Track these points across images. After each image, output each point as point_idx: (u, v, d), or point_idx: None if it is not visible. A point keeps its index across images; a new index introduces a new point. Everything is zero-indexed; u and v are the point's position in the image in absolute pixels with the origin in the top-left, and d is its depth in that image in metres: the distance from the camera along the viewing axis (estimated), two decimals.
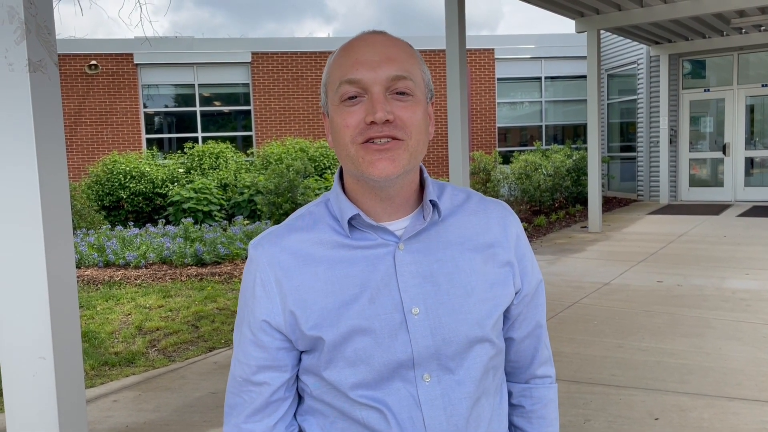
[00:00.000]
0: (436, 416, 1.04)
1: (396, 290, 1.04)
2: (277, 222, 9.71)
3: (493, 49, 15.41)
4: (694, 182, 13.16)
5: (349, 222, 1.06)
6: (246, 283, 1.11)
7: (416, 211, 1.09)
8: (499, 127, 15.71)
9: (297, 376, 1.12)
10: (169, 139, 14.65)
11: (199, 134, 14.48)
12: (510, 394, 1.23)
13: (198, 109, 14.52)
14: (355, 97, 1.01)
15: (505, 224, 1.14)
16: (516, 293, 1.14)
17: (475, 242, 1.10)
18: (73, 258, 2.36)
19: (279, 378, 1.08)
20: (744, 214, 10.91)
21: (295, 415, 1.14)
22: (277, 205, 9.91)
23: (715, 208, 11.75)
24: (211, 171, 11.87)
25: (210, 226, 9.96)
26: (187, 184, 11.29)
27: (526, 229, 9.68)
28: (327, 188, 10.56)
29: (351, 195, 1.09)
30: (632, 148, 14.05)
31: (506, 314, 1.15)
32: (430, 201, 1.07)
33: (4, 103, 2.17)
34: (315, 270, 1.05)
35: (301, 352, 1.09)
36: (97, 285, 6.86)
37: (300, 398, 1.13)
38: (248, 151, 13.82)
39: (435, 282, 1.06)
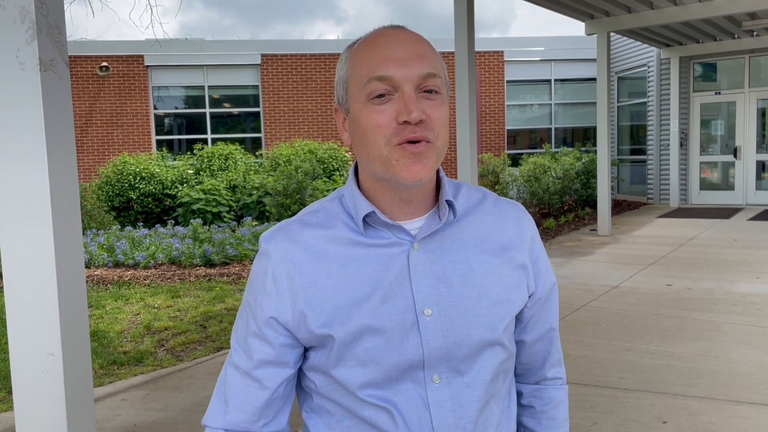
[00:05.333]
0: (444, 418, 1.03)
1: (409, 290, 1.03)
2: None
3: (502, 52, 15.40)
4: (705, 185, 13.09)
5: (364, 219, 1.05)
6: (256, 276, 1.09)
7: (432, 210, 1.07)
8: (508, 130, 15.68)
9: (300, 373, 1.11)
10: (179, 140, 14.72)
11: (209, 136, 14.54)
12: (520, 394, 1.22)
13: (208, 110, 14.58)
14: (384, 95, 0.99)
15: (521, 226, 1.13)
16: (529, 296, 1.12)
17: (490, 244, 1.09)
18: (82, 257, 2.38)
19: (280, 375, 1.06)
20: (755, 218, 10.84)
21: (301, 412, 1.14)
22: (286, 206, 9.94)
23: (726, 212, 11.67)
24: (220, 172, 11.92)
25: (219, 227, 9.99)
26: (197, 185, 11.34)
27: None
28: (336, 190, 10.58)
29: (366, 192, 1.07)
30: (642, 151, 13.98)
31: (518, 317, 1.14)
32: (446, 201, 1.06)
33: (15, 102, 2.19)
34: (328, 267, 1.04)
35: (308, 350, 1.08)
36: (106, 285, 6.90)
37: (307, 395, 1.12)
38: (257, 153, 13.87)
39: (448, 283, 1.04)
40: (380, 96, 0.99)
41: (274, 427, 1.10)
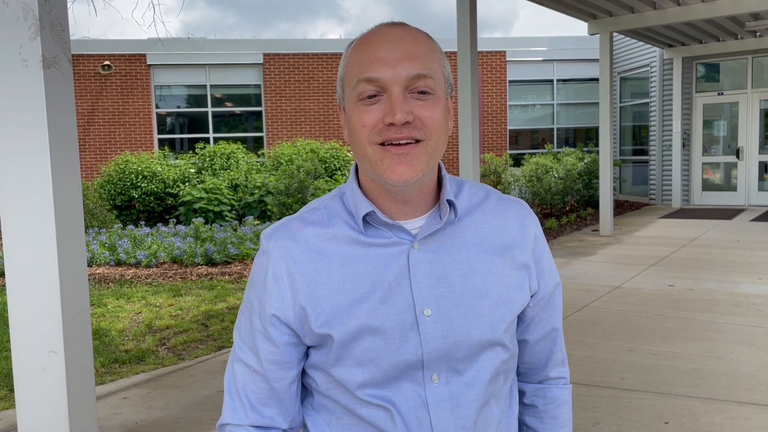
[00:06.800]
0: (443, 418, 1.02)
1: (408, 290, 1.02)
2: None
3: (504, 52, 15.39)
4: (707, 186, 13.07)
5: (364, 218, 1.04)
6: (257, 274, 1.09)
7: (433, 210, 1.07)
8: (510, 130, 15.67)
9: (303, 371, 1.11)
10: (181, 139, 14.73)
11: (211, 135, 14.55)
12: (523, 393, 1.21)
13: (210, 109, 14.59)
14: (374, 95, 0.99)
15: (524, 224, 1.12)
16: (532, 296, 1.11)
17: (492, 243, 1.08)
18: (84, 255, 2.38)
19: (287, 374, 1.07)
20: (757, 219, 10.82)
21: (301, 409, 1.14)
22: (287, 205, 9.94)
23: (728, 213, 11.66)
24: (222, 171, 11.92)
25: (220, 226, 9.99)
26: (198, 184, 11.34)
27: None
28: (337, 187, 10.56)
29: (366, 191, 1.06)
30: (644, 152, 13.97)
31: (521, 316, 1.13)
32: (447, 200, 1.05)
33: (18, 98, 2.19)
34: (328, 266, 1.03)
35: (309, 348, 1.08)
36: (108, 283, 6.90)
37: (308, 392, 1.13)
38: (259, 152, 13.87)
39: (449, 283, 1.04)
40: (370, 97, 0.99)
41: (294, 423, 1.11)
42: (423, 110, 0.98)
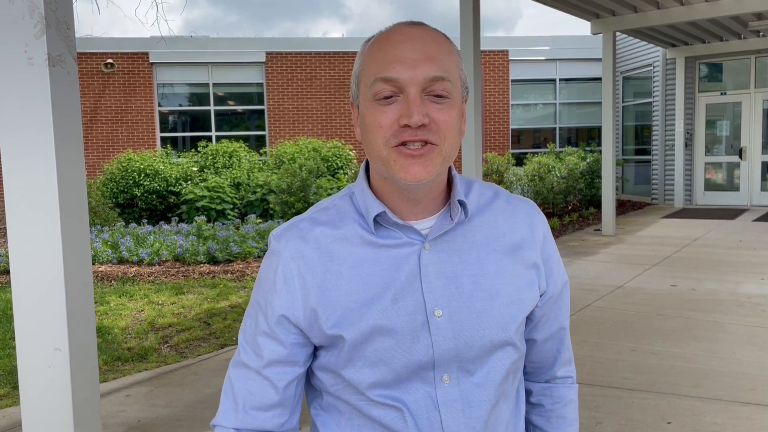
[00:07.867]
0: (454, 418, 1.02)
1: (419, 291, 1.02)
2: None
3: (507, 51, 15.38)
4: (710, 186, 13.06)
5: (375, 219, 1.04)
6: (266, 274, 1.07)
7: (443, 210, 1.06)
8: (512, 129, 15.66)
9: (309, 371, 1.10)
10: (183, 137, 14.74)
11: (213, 133, 14.55)
12: (529, 392, 1.21)
13: (212, 108, 14.60)
14: (390, 96, 0.98)
15: (533, 224, 1.12)
16: (540, 295, 1.11)
17: (502, 243, 1.08)
18: (89, 253, 2.38)
19: (291, 373, 1.06)
20: (760, 219, 10.81)
21: (310, 410, 1.14)
22: (290, 204, 9.94)
23: (731, 213, 11.64)
24: (224, 170, 11.92)
25: (223, 224, 10.00)
26: (201, 182, 11.35)
27: None
28: (339, 188, 10.56)
29: (377, 191, 1.06)
30: (647, 152, 13.96)
31: (530, 316, 1.13)
32: (458, 201, 1.05)
33: (23, 96, 2.19)
34: (339, 267, 1.03)
35: (317, 348, 1.07)
36: (110, 281, 6.91)
37: (316, 393, 1.12)
38: (261, 151, 13.87)
39: (459, 284, 1.03)
40: (387, 97, 0.98)
41: (288, 426, 1.09)
42: (439, 113, 0.98)
